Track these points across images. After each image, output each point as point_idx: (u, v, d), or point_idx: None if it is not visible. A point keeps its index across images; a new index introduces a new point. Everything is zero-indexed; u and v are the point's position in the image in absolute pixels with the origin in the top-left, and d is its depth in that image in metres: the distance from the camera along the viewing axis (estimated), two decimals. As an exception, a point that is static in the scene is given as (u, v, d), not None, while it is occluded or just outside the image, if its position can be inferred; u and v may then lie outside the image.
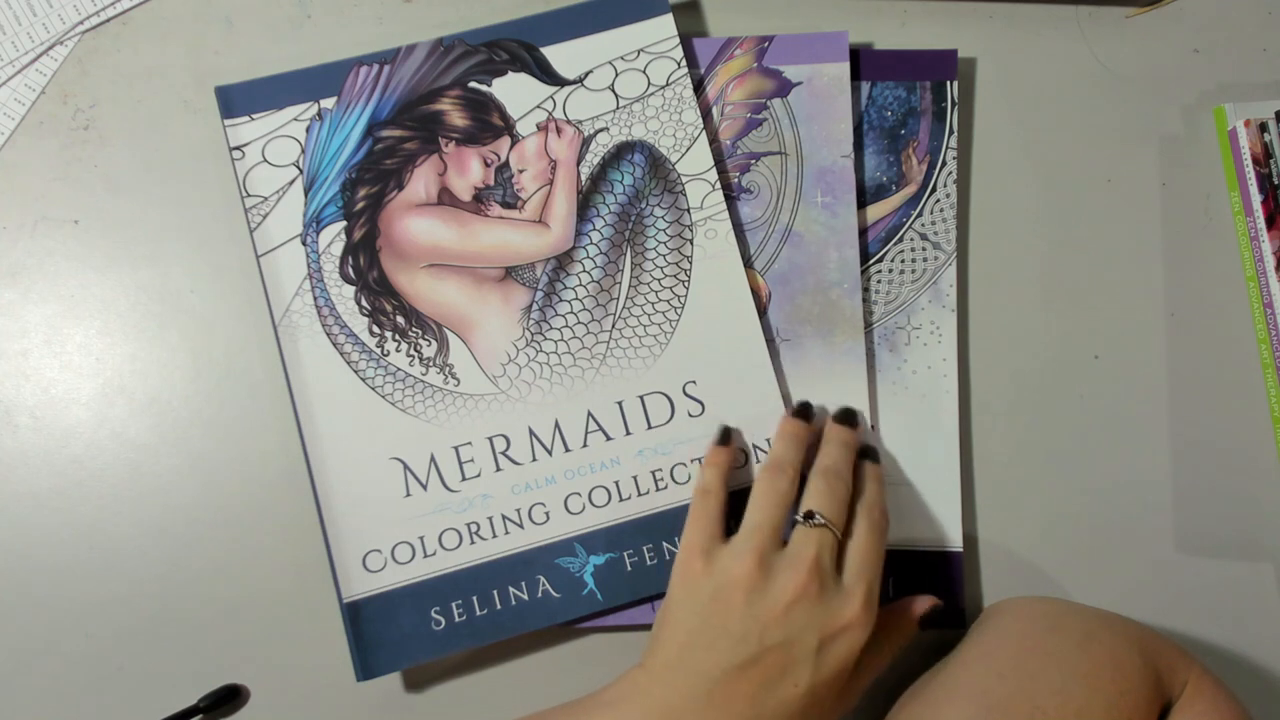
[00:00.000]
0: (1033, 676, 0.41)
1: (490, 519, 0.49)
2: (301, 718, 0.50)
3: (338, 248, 0.50)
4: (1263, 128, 0.52)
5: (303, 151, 0.51)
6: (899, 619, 0.46)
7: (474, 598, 0.48)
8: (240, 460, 0.51)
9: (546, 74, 0.52)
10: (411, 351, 0.50)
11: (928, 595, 0.47)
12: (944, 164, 0.53)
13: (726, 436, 0.48)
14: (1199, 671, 0.43)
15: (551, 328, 0.50)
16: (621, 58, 0.52)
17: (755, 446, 0.49)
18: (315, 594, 0.50)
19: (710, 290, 0.51)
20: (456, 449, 0.49)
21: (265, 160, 0.51)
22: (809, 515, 0.43)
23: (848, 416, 0.48)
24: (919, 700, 0.43)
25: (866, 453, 0.48)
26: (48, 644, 0.50)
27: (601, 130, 0.52)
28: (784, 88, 0.53)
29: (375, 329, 0.50)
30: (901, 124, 0.53)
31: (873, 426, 0.51)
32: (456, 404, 0.49)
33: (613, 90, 0.52)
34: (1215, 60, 0.55)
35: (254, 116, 0.51)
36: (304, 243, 0.50)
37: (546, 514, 0.49)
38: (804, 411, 0.49)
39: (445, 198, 0.51)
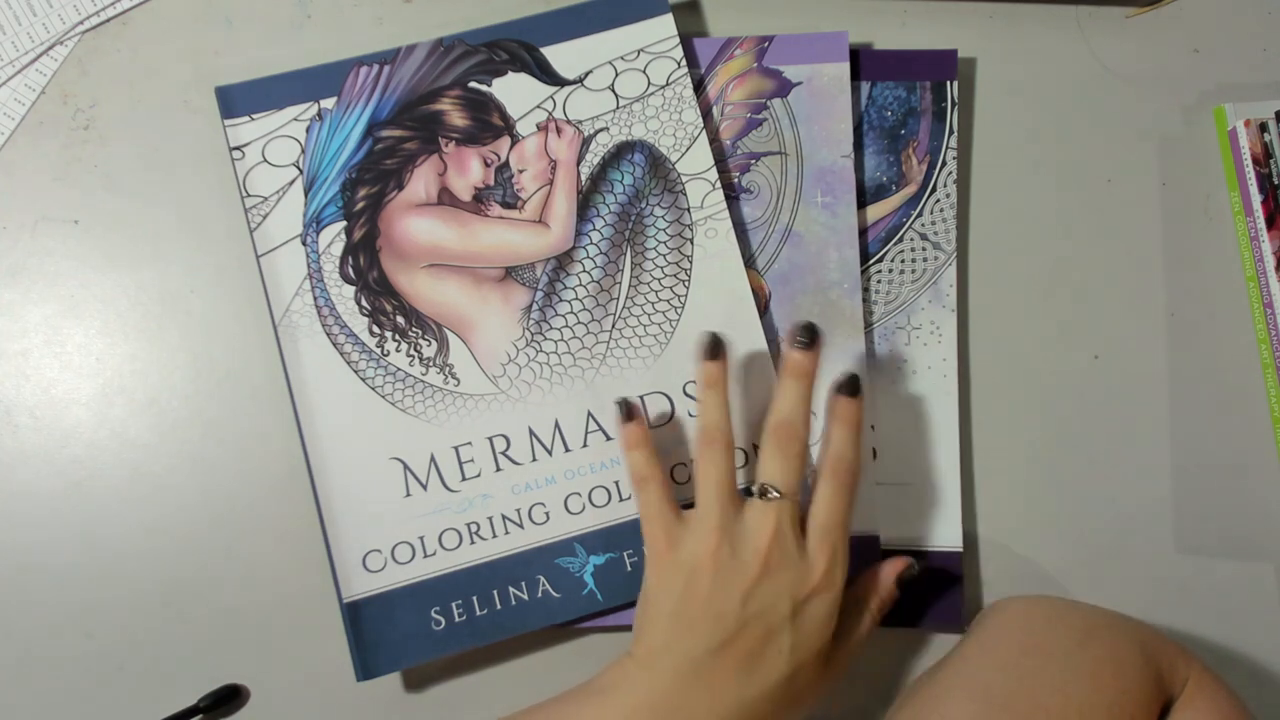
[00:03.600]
0: (1034, 674, 0.41)
1: (490, 519, 0.49)
2: (301, 718, 0.50)
3: (338, 248, 0.50)
4: (1263, 128, 0.52)
5: (303, 151, 0.51)
6: (875, 582, 0.46)
7: (474, 598, 0.48)
8: (240, 460, 0.51)
9: (546, 74, 0.52)
10: (411, 351, 0.50)
11: (902, 556, 0.47)
12: (944, 164, 0.53)
13: (630, 413, 0.46)
14: (1200, 669, 0.43)
15: (551, 328, 0.50)
16: (621, 58, 0.52)
17: (756, 447, 0.49)
18: (315, 594, 0.50)
19: (710, 290, 0.51)
20: (456, 449, 0.49)
21: (265, 160, 0.51)
22: (762, 491, 0.43)
23: (806, 338, 0.44)
24: (919, 698, 0.43)
25: (844, 386, 0.45)
26: (48, 644, 0.50)
27: (601, 130, 0.52)
28: (784, 88, 0.53)
29: (375, 329, 0.50)
30: (901, 124, 0.53)
31: (873, 427, 0.51)
32: (456, 404, 0.49)
33: (613, 90, 0.52)
34: (1215, 60, 0.55)
35: (254, 116, 0.51)
36: (304, 243, 0.50)
37: (546, 514, 0.49)
38: (716, 349, 0.45)
39: (445, 198, 0.51)
